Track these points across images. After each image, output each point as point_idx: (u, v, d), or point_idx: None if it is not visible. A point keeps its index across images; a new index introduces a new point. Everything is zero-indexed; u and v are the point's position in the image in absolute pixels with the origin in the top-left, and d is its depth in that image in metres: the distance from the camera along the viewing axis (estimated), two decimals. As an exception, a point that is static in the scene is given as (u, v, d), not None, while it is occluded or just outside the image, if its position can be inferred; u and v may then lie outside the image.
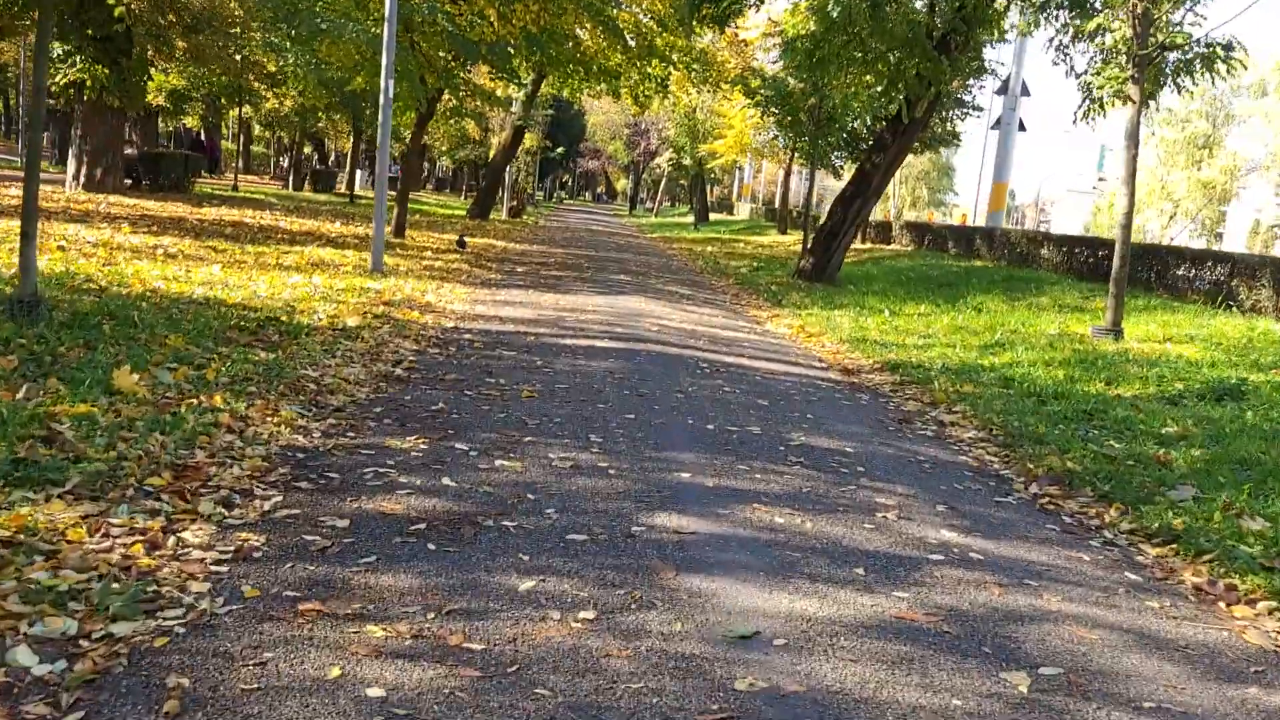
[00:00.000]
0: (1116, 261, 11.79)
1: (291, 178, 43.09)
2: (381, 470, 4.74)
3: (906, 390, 8.86)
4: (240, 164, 57.39)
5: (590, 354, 8.81)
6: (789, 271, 21.28)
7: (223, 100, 44.16)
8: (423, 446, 5.24)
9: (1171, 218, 56.14)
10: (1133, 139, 11.87)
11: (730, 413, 6.96)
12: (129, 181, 26.84)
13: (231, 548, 3.65)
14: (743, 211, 59.38)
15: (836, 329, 12.71)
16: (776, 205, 60.44)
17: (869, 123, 27.20)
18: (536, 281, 15.20)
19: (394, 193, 19.90)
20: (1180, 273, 17.71)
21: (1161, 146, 56.43)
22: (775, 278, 20.26)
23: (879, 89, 19.28)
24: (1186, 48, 11.60)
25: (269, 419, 5.41)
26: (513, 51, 17.68)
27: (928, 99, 16.84)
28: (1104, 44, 12.32)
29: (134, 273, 10.41)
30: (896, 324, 13.53)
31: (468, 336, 9.16)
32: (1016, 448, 6.79)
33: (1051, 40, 15.90)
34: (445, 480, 4.68)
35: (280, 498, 4.24)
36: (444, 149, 58.91)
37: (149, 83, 45.53)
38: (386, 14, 13.53)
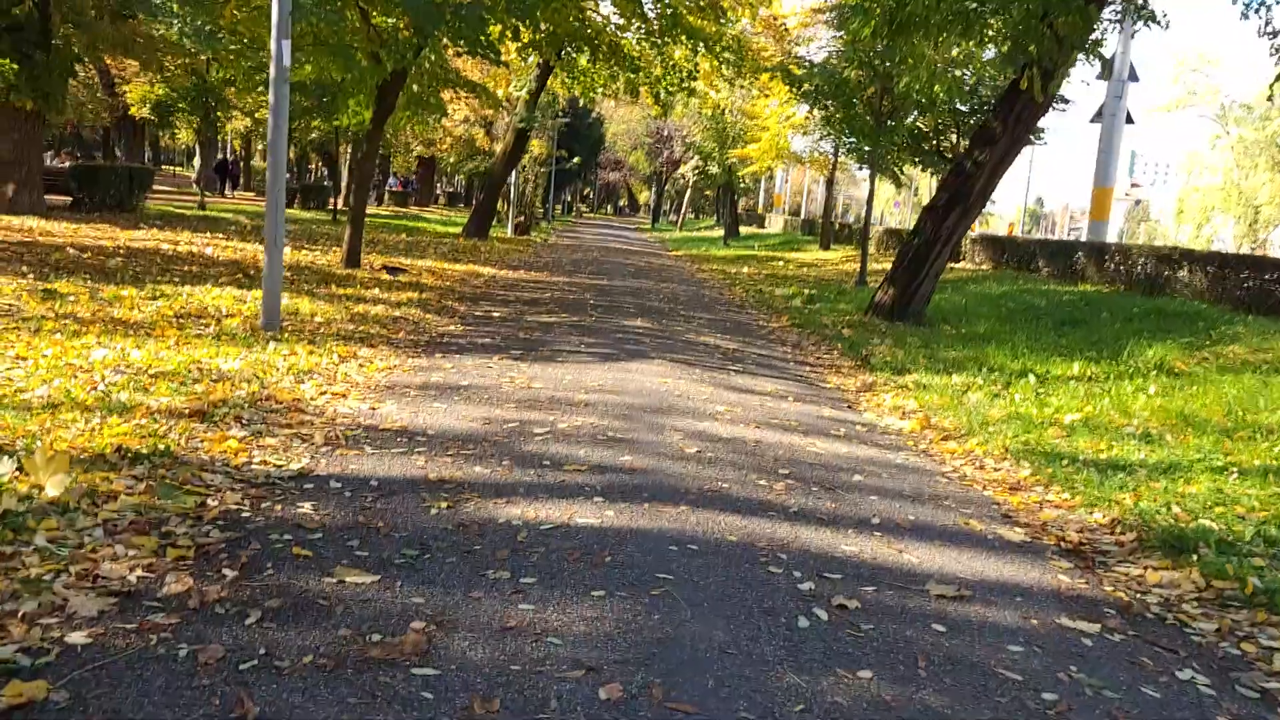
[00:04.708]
0: None
1: (275, 194, 38.59)
2: None
3: (1270, 643, 3.99)
4: (244, 180, 53.22)
5: (557, 573, 3.94)
6: (857, 305, 16.41)
7: (219, 112, 40.31)
8: None
9: (1251, 225, 50.63)
10: None
11: None
12: (69, 200, 22.56)
13: None
14: (775, 224, 54.54)
15: (979, 417, 7.87)
16: (809, 216, 55.56)
17: (947, 113, 22.39)
18: (513, 337, 10.41)
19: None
20: None
21: (1238, 147, 51.03)
22: (842, 314, 15.40)
23: (993, 59, 14.61)
24: None
25: None
26: (489, 18, 12.95)
27: (1069, 67, 11.98)
28: None
29: None
30: (1060, 403, 8.67)
31: (303, 511, 4.37)
32: None
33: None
34: None
35: None
36: (451, 160, 54.53)
37: (127, 94, 41.78)
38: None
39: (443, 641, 3.19)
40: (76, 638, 3.02)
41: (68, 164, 28.09)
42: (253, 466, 4.92)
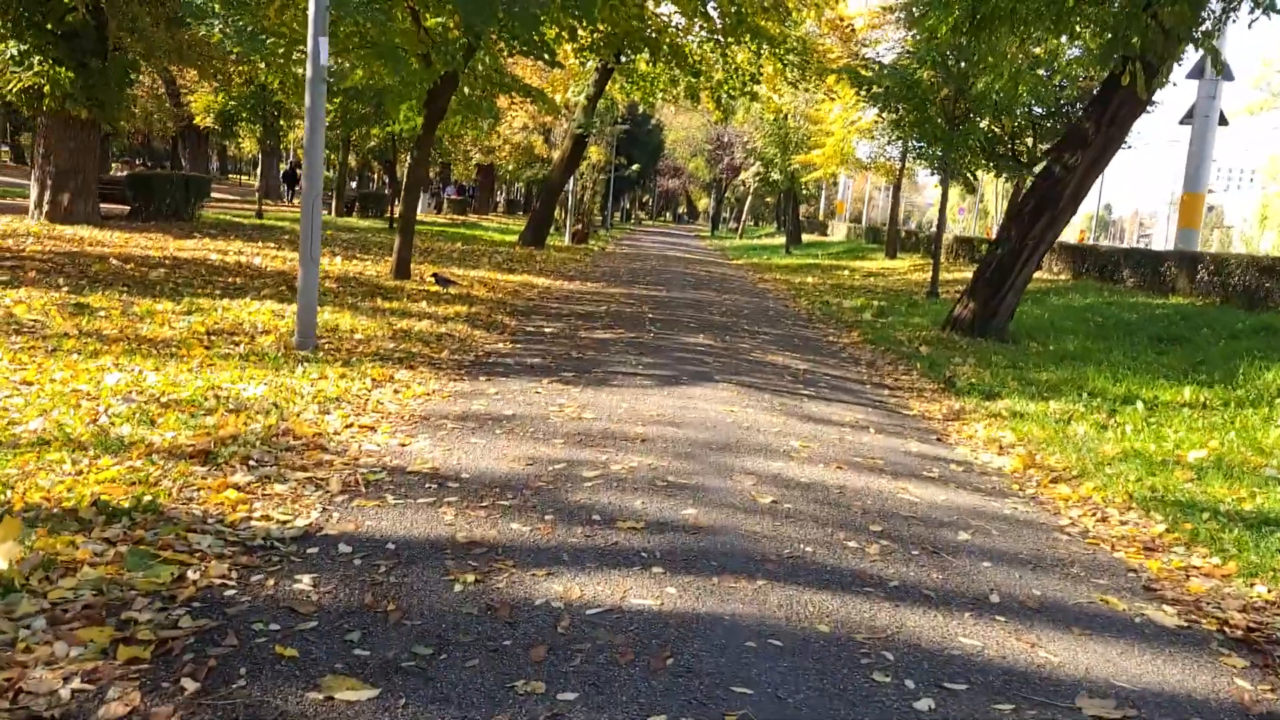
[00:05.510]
0: None
1: (334, 203, 38.60)
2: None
3: None
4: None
5: (605, 684, 3.03)
6: (932, 319, 15.39)
7: (281, 120, 40.48)
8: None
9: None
10: None
11: None
12: (128, 209, 22.42)
13: None
14: (838, 231, 53.29)
15: (1091, 454, 6.91)
16: (872, 223, 54.13)
17: (1024, 115, 21.25)
18: (564, 356, 9.64)
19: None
20: None
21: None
22: (916, 329, 14.41)
23: (1078, 57, 13.57)
24: None
25: None
26: (543, 17, 12.24)
27: (1174, 61, 10.92)
28: None
29: None
30: (1178, 435, 7.66)
31: (299, 587, 3.59)
32: None
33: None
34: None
35: None
36: (510, 168, 54.24)
37: (192, 104, 42.15)
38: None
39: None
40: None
41: (125, 173, 28.08)
42: (251, 524, 4.18)
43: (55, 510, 4.05)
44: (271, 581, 3.62)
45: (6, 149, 51.82)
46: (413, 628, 3.34)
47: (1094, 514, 5.72)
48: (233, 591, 3.50)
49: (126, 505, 4.14)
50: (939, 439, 7.55)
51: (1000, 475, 6.55)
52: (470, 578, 3.79)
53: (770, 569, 4.17)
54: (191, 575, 3.59)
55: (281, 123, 41.37)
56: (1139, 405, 8.87)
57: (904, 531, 4.92)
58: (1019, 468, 6.74)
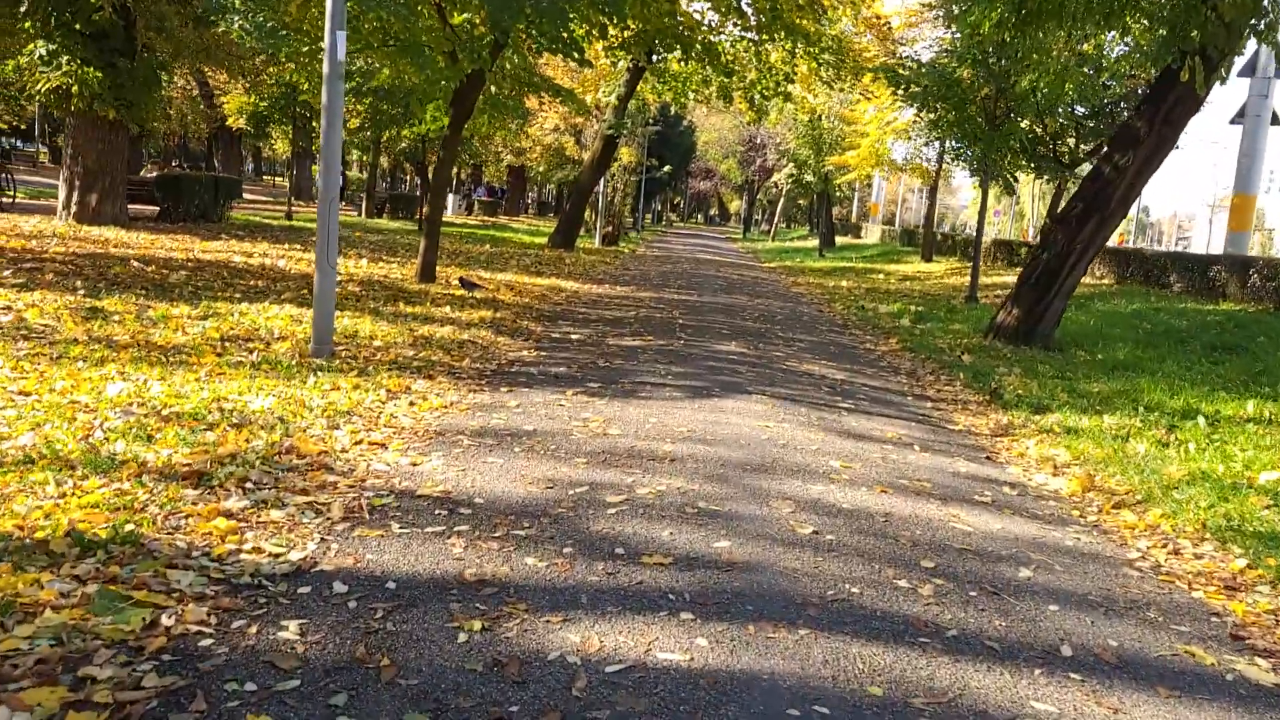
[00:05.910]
0: None
1: (364, 205, 38.54)
2: None
3: None
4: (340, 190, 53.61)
5: None
6: (973, 325, 14.85)
7: (315, 122, 40.56)
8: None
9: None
10: None
11: None
12: (158, 210, 22.30)
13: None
14: (872, 234, 52.56)
15: (1156, 476, 6.41)
16: (905, 225, 53.36)
17: (1066, 114, 20.61)
18: (591, 365, 9.23)
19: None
20: None
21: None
22: (957, 336, 13.87)
23: (1126, 54, 13.02)
24: None
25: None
26: (572, 14, 11.85)
27: (1234, 55, 10.36)
28: None
29: None
30: (1246, 454, 7.13)
31: (285, 636, 3.18)
32: None
33: None
34: None
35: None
36: (540, 169, 54.03)
37: (225, 106, 42.26)
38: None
39: None
40: None
41: (154, 174, 28.04)
42: (240, 557, 3.80)
43: (26, 541, 3.70)
44: (254, 629, 3.23)
45: (44, 149, 52.27)
46: (407, 688, 2.93)
47: (1164, 545, 5.23)
48: (209, 641, 3.12)
49: (104, 536, 3.77)
50: (988, 457, 7.06)
51: (1058, 499, 6.06)
52: (477, 625, 3.38)
53: (813, 615, 3.73)
54: (165, 621, 3.21)
55: (314, 124, 41.45)
56: (1200, 420, 8.33)
57: (959, 568, 4.46)
58: (1077, 490, 6.26)
